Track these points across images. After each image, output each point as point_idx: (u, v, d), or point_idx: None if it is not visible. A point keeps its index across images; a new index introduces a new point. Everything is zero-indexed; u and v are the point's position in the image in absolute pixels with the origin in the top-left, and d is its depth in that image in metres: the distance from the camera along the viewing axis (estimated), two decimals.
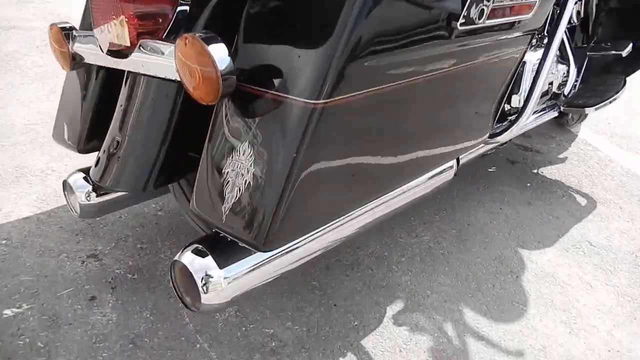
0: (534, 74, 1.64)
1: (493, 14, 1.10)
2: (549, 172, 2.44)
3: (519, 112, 1.57)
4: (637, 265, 1.81)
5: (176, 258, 0.96)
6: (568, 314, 1.55)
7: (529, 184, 2.30)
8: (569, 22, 2.19)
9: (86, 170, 1.40)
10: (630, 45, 2.19)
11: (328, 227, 1.04)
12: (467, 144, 1.38)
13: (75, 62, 1.28)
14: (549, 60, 1.60)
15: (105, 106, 1.36)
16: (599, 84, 2.32)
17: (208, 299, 0.92)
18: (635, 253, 1.88)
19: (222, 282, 0.93)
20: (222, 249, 0.96)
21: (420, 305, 1.52)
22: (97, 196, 1.39)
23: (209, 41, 0.83)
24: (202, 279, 0.92)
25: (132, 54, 1.02)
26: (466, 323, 1.47)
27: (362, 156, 1.01)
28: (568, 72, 2.17)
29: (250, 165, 0.87)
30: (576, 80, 2.28)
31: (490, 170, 2.39)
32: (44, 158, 2.03)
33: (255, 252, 0.97)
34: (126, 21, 0.98)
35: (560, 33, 1.55)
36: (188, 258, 0.94)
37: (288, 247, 1.01)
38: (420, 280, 1.62)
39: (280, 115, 0.85)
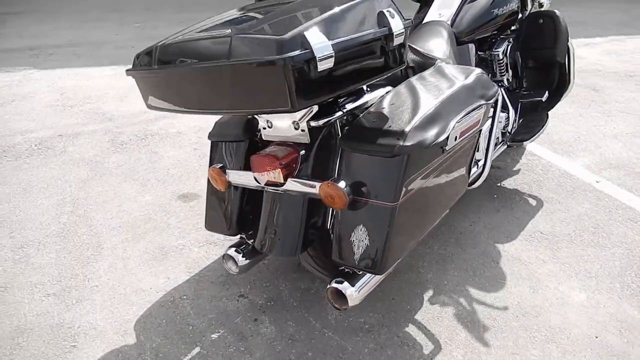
0: (488, 136, 2.67)
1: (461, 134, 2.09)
2: (508, 183, 3.48)
3: (483, 164, 2.60)
4: (572, 242, 2.84)
5: (329, 286, 1.91)
6: (530, 280, 2.56)
7: (495, 196, 3.33)
8: (507, 71, 3.27)
9: (236, 245, 2.34)
10: (547, 92, 3.29)
11: None
12: (458, 196, 2.37)
13: (229, 185, 2.24)
14: (495, 127, 2.63)
15: (247, 203, 2.30)
16: (530, 120, 3.40)
17: (350, 301, 1.88)
18: (570, 234, 2.91)
19: (354, 293, 1.89)
20: (350, 277, 1.92)
21: (442, 291, 2.51)
22: (246, 260, 2.34)
23: (338, 181, 1.80)
24: (347, 293, 1.88)
25: (286, 185, 1.97)
26: (473, 296, 2.46)
27: (417, 213, 1.98)
28: (508, 116, 3.22)
29: (367, 235, 1.83)
30: (515, 121, 3.33)
31: None
32: (171, 239, 2.96)
33: (367, 274, 1.93)
34: (280, 171, 1.94)
35: (497, 115, 2.59)
36: (338, 285, 1.89)
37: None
38: (439, 275, 2.60)
39: (373, 211, 1.81)
